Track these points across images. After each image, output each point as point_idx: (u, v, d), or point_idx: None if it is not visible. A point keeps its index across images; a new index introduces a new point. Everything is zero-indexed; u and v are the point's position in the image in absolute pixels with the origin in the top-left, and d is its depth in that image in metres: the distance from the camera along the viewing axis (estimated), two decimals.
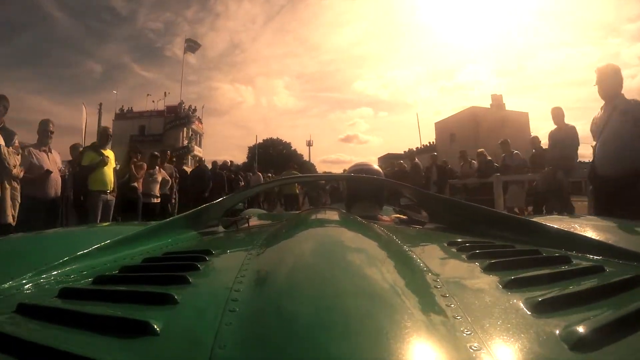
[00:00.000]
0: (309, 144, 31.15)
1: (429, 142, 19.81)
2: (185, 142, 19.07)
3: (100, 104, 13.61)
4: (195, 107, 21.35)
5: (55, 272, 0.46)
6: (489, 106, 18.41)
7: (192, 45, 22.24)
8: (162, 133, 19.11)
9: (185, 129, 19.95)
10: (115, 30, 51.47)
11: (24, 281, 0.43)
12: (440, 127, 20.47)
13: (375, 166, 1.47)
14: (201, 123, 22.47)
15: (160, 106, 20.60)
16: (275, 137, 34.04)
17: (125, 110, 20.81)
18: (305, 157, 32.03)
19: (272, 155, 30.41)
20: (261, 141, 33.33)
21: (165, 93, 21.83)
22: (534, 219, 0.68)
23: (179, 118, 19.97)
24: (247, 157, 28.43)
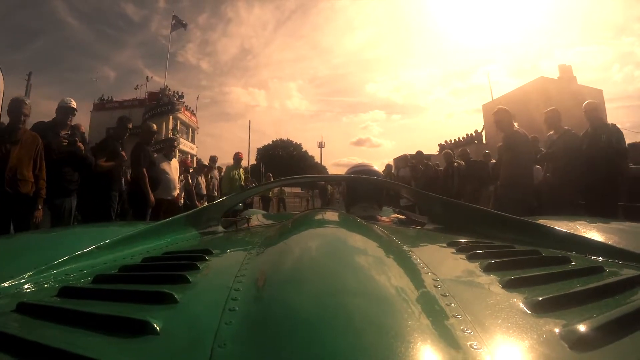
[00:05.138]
0: (321, 146, 31.68)
1: (467, 134, 18.73)
2: (170, 135, 19.21)
3: (30, 73, 12.45)
4: (181, 92, 20.87)
5: (55, 271, 0.55)
6: (557, 79, 17.26)
7: (177, 24, 22.61)
8: (141, 124, 18.99)
9: (171, 117, 19.67)
10: (128, 36, 59.50)
11: (24, 280, 0.51)
12: (491, 109, 19.17)
13: (375, 167, 1.60)
14: (194, 115, 22.23)
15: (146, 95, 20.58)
16: (285, 138, 35.13)
17: (105, 100, 21.35)
18: (317, 159, 32.96)
19: (282, 157, 31.45)
20: (270, 142, 34.29)
21: (147, 77, 22.31)
22: (534, 220, 0.74)
23: (160, 105, 19.13)
24: (256, 159, 29.83)
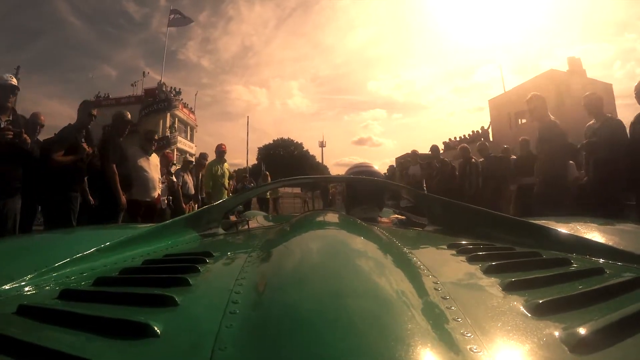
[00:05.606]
0: (322, 145, 31.89)
1: (473, 131, 18.50)
2: (167, 133, 18.64)
3: (18, 67, 13.35)
4: (179, 89, 20.70)
5: (55, 274, 0.56)
6: (566, 72, 17.11)
7: (179, 18, 21.95)
8: (137, 122, 17.41)
9: (169, 115, 19.34)
10: (129, 35, 60.73)
11: (25, 283, 0.52)
12: (498, 105, 18.40)
13: (375, 168, 1.63)
14: (193, 113, 22.08)
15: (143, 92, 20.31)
16: (286, 138, 35.51)
17: (101, 97, 20.90)
18: (318, 159, 33.31)
19: (283, 157, 31.78)
20: (271, 141, 34.63)
21: (143, 73, 22.30)
22: (534, 222, 0.76)
23: (157, 102, 19.07)
24: (257, 159, 30.20)
